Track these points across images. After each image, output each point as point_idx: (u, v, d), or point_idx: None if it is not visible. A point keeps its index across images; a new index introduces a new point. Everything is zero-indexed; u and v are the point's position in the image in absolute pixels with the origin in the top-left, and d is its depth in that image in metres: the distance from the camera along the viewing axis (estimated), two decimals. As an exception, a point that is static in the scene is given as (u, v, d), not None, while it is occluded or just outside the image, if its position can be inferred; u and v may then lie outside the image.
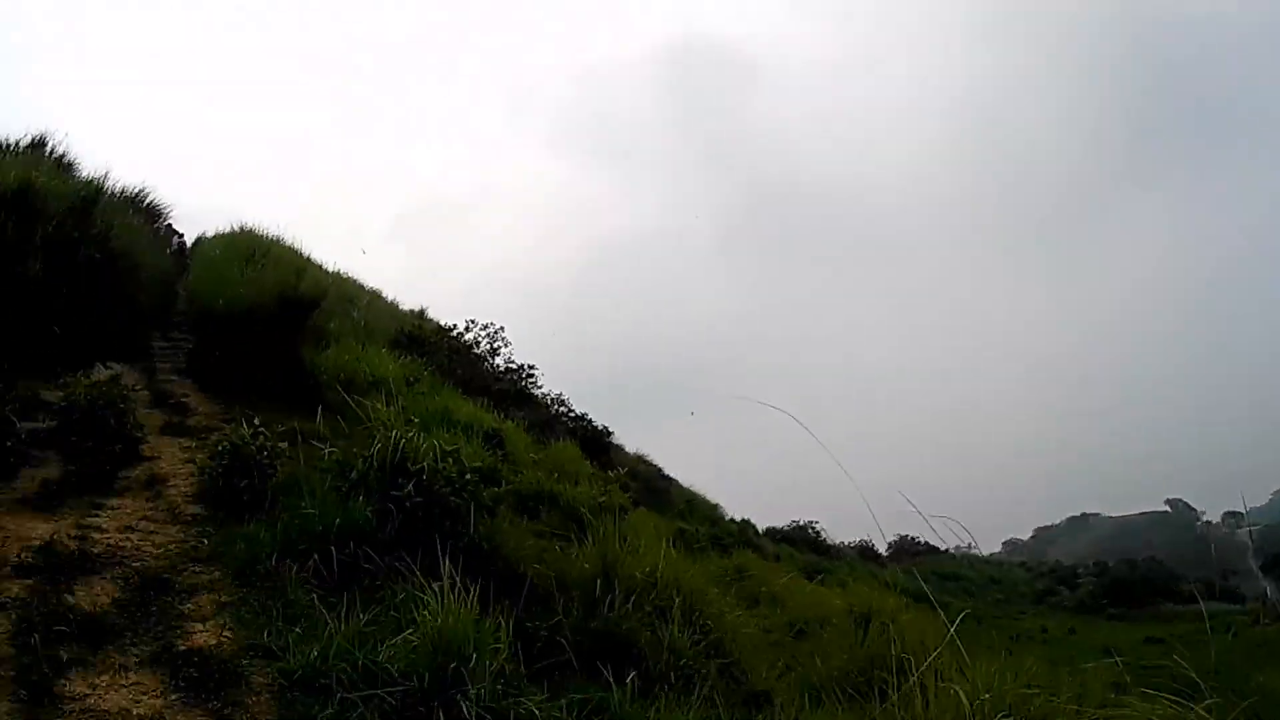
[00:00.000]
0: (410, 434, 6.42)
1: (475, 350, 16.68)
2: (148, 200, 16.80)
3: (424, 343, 14.31)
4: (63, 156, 13.83)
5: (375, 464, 6.16)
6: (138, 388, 9.56)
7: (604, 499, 8.99)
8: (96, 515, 6.11)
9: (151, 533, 5.94)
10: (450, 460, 6.22)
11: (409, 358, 12.09)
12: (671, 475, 26.97)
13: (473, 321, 17.11)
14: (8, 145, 12.93)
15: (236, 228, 15.47)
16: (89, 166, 13.79)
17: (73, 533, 5.61)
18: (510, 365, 17.42)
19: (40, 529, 5.63)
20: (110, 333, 10.53)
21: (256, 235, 14.29)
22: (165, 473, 7.26)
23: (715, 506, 29.50)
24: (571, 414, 18.35)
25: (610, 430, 19.22)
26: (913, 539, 47.32)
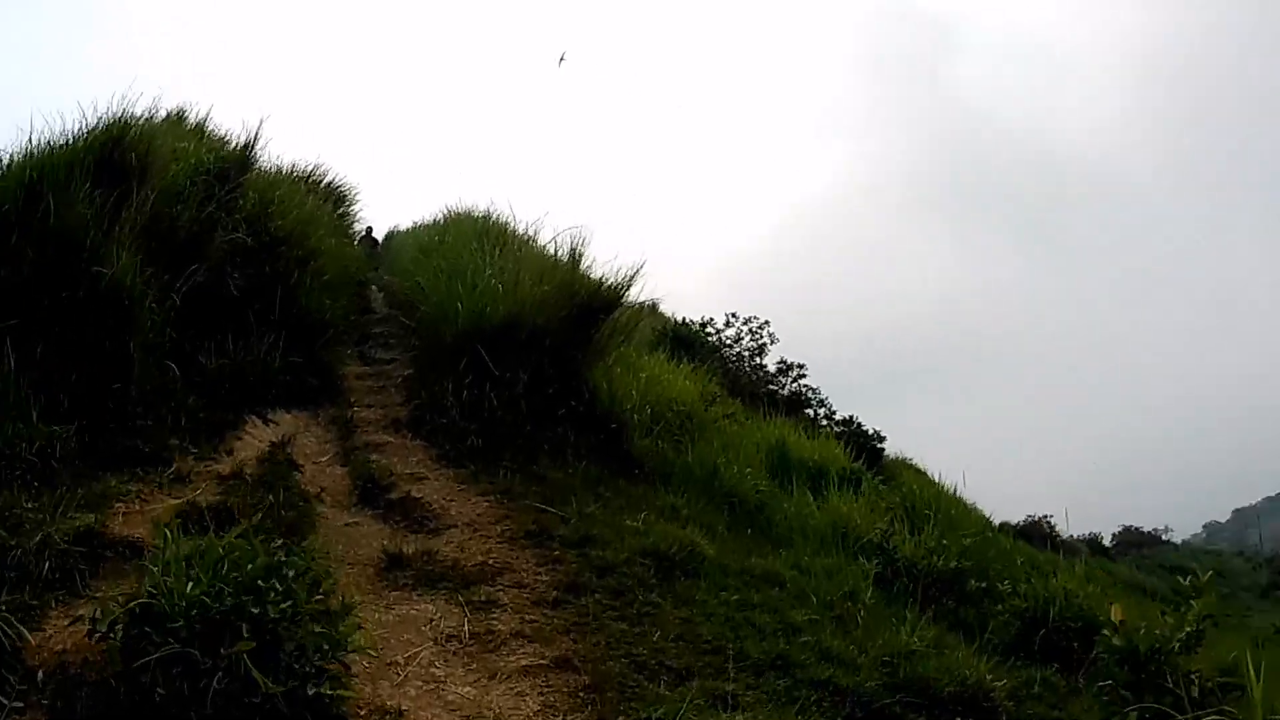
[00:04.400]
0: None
1: (736, 348, 13.94)
2: (325, 180, 12.23)
3: (692, 345, 11.11)
4: (205, 128, 9.06)
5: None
6: (327, 463, 5.65)
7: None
8: None
9: None
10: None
11: (681, 364, 9.31)
12: (938, 481, 22.98)
13: (734, 315, 14.12)
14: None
15: (447, 212, 11.32)
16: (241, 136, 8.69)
17: None
18: (781, 365, 14.37)
19: None
20: (272, 361, 6.53)
21: (480, 219, 9.86)
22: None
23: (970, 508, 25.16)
24: (835, 417, 14.64)
25: (884, 436, 14.64)
26: (1136, 529, 45.03)
